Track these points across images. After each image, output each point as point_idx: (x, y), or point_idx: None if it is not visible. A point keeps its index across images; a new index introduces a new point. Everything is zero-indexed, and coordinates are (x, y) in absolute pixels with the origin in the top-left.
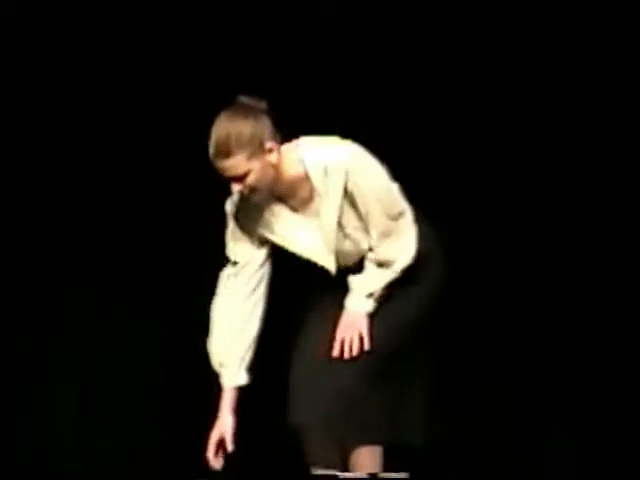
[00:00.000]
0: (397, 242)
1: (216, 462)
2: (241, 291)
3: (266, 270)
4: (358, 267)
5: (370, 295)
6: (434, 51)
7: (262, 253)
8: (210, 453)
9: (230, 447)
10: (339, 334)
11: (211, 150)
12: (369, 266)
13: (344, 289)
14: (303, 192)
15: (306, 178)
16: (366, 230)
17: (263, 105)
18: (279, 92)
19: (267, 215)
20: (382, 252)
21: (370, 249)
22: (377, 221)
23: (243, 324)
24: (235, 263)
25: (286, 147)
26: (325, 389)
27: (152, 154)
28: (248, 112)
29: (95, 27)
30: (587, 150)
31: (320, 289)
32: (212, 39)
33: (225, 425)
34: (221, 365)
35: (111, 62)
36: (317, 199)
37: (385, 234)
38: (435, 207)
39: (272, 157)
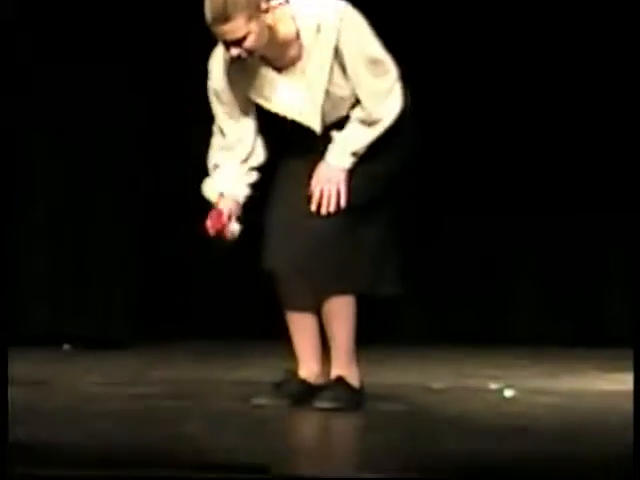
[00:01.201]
0: (383, 102)
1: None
2: (236, 164)
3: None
4: (336, 127)
5: (354, 154)
6: None
7: (252, 126)
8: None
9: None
10: (317, 187)
11: (208, 15)
12: (354, 124)
13: (319, 150)
14: (292, 51)
15: (297, 37)
16: (349, 89)
17: None
18: None
19: (252, 77)
20: (368, 111)
21: (353, 107)
22: (363, 80)
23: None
24: (224, 135)
25: (276, 5)
26: (298, 235)
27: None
28: None
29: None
30: None
31: (295, 149)
32: None
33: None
34: (220, 191)
35: None
36: (305, 58)
37: (371, 94)
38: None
39: (268, 17)
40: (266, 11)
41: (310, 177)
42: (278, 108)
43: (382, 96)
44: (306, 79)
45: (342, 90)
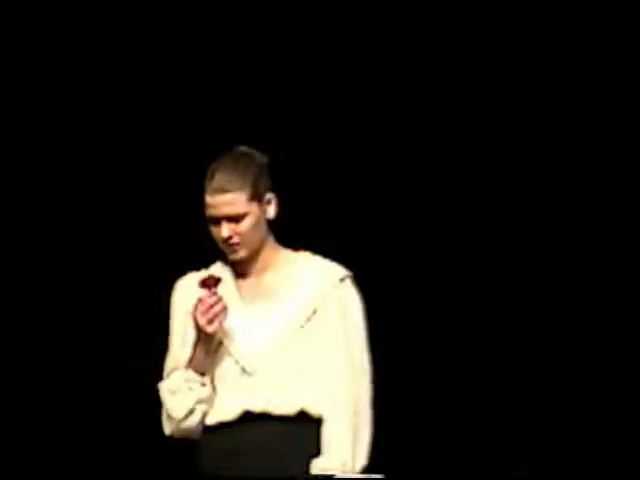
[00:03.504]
0: (358, 432)
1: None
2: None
3: None
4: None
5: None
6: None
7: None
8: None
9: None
10: None
11: (212, 185)
12: (336, 453)
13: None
14: (270, 276)
15: (286, 272)
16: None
17: (265, 159)
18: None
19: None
20: (340, 441)
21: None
22: (333, 372)
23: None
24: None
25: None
26: None
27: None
28: (251, 159)
29: (95, 28)
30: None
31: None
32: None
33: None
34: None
35: (109, 65)
36: (278, 297)
37: (340, 405)
38: None
39: (269, 211)
40: (268, 202)
41: None
42: (227, 334)
43: (351, 418)
44: (266, 319)
45: (305, 355)
